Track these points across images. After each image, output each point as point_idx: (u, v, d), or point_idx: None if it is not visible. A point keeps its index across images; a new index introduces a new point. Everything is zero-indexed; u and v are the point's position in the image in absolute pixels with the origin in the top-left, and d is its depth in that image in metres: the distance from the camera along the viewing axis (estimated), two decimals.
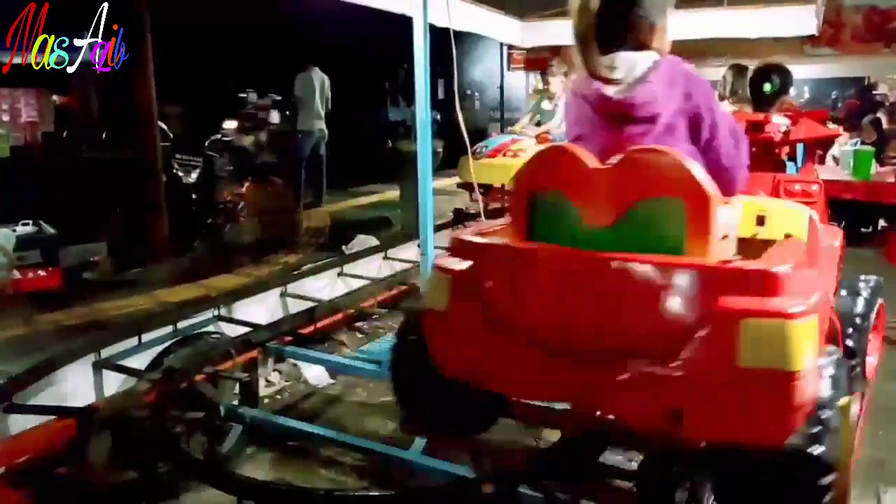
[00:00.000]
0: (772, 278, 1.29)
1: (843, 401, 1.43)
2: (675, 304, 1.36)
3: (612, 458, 2.87)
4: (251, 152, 7.33)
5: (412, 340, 1.86)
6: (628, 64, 1.58)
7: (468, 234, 1.76)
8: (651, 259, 1.41)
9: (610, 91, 1.57)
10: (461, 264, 1.62)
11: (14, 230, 4.57)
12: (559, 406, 1.98)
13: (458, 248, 1.68)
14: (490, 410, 1.97)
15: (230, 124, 7.19)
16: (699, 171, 1.46)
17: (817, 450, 1.36)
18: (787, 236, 1.60)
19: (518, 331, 1.51)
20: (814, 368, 1.27)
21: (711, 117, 1.60)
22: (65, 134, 7.68)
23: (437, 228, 5.34)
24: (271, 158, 7.76)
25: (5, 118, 6.23)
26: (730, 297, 1.28)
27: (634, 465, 2.15)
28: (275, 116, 8.24)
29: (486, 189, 5.98)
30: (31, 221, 4.76)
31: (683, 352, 1.32)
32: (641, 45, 1.61)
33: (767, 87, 3.28)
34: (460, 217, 6.35)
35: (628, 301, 1.41)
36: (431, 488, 1.95)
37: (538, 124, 6.39)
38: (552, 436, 2.75)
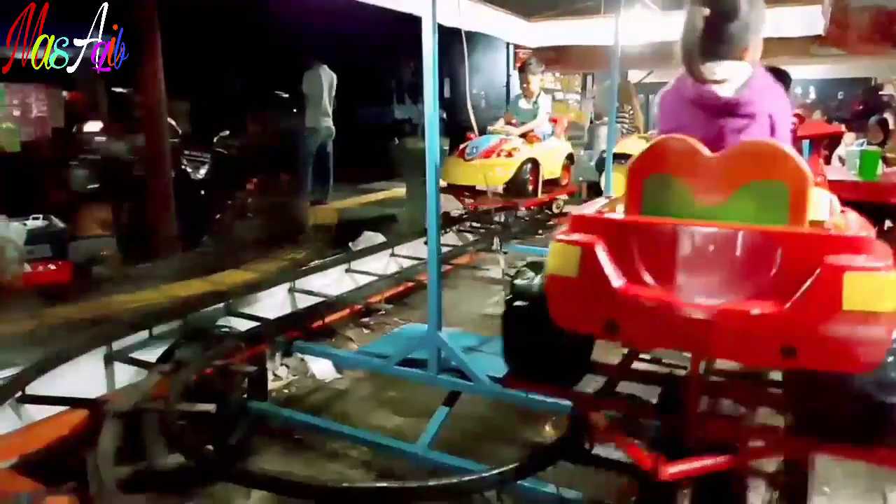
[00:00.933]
0: (866, 242, 1.71)
1: None
2: (788, 263, 1.72)
3: (613, 453, 2.91)
4: (259, 150, 7.36)
5: (522, 306, 2.26)
6: (731, 72, 1.97)
7: (589, 211, 2.18)
8: (773, 229, 1.78)
9: (719, 92, 1.96)
10: (586, 237, 1.93)
11: (24, 224, 4.62)
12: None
13: (580, 224, 2.00)
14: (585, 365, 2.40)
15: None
16: (801, 160, 1.81)
17: (894, 373, 1.79)
18: (812, 223, 1.85)
19: (644, 289, 1.85)
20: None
21: (781, 118, 2.00)
22: (74, 129, 7.73)
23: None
24: (279, 155, 7.80)
25: (16, 113, 6.27)
26: (833, 256, 1.65)
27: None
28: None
29: (472, 191, 5.84)
30: (41, 216, 4.81)
31: (795, 301, 1.67)
32: (737, 58, 1.99)
33: None
34: (449, 221, 6.09)
35: (748, 263, 1.77)
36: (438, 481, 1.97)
37: (516, 124, 6.20)
38: (554, 432, 2.78)
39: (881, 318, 1.61)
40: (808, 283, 1.66)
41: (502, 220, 6.19)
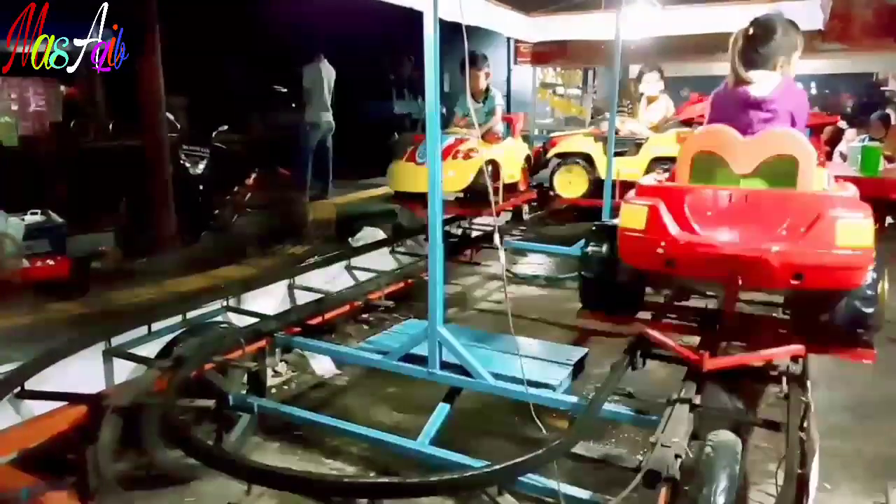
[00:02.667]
0: (852, 201, 2.48)
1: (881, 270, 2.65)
2: (798, 216, 2.45)
3: (616, 451, 2.90)
4: (259, 145, 7.34)
5: (595, 252, 3.12)
6: (762, 78, 2.74)
7: (650, 182, 2.90)
8: (788, 191, 2.53)
9: (752, 92, 2.73)
10: (650, 200, 2.65)
11: (23, 219, 4.60)
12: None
13: (644, 191, 2.77)
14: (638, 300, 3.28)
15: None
16: (809, 144, 2.58)
17: (870, 291, 2.58)
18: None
19: (694, 236, 2.56)
20: (873, 249, 2.40)
21: (800, 116, 2.76)
22: (72, 124, 7.71)
23: (372, 247, 4.93)
24: (279, 151, 7.77)
25: (14, 107, 6.25)
26: (830, 210, 2.39)
27: (638, 460, 2.17)
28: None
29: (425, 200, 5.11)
30: (39, 211, 4.79)
31: (803, 241, 2.40)
32: (770, 69, 2.75)
33: None
34: (400, 233, 5.52)
35: (770, 216, 2.50)
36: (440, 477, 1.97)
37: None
38: (557, 430, 2.78)
39: (861, 252, 2.39)
40: (812, 228, 2.40)
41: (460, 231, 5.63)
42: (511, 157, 5.73)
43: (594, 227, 3.26)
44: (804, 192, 2.53)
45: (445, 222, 5.17)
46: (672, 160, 6.57)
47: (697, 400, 2.37)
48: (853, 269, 2.41)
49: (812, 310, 2.71)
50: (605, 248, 3.07)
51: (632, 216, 2.71)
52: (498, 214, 5.46)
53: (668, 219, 2.61)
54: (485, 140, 5.29)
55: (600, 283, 3.11)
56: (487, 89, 5.55)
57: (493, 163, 5.23)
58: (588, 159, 6.26)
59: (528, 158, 6.27)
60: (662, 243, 2.61)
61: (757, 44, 2.76)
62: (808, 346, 2.67)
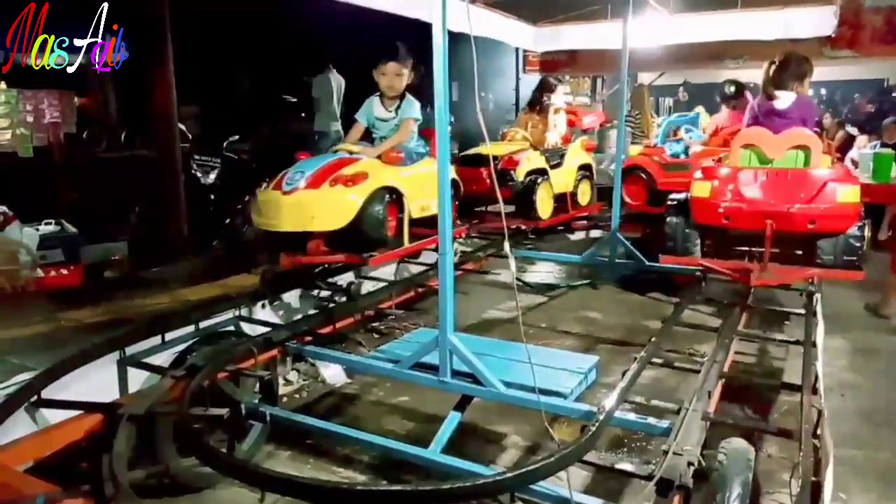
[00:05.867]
0: (848, 174, 4.28)
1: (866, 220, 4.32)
2: (813, 185, 4.05)
3: (628, 460, 2.90)
4: (269, 154, 7.37)
5: (679, 207, 4.69)
6: (783, 96, 4.30)
7: (710, 163, 4.59)
8: (804, 169, 4.16)
9: (776, 104, 4.32)
10: (713, 177, 4.32)
11: (37, 229, 4.66)
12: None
13: (708, 172, 4.40)
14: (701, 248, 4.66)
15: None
16: (816, 138, 4.21)
17: (858, 233, 4.16)
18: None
19: (743, 200, 4.16)
20: (861, 205, 4.12)
21: (810, 122, 4.35)
22: (85, 134, 7.80)
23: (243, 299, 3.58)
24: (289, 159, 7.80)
25: (29, 119, 6.32)
26: (832, 182, 4.04)
27: (650, 468, 2.17)
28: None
29: (284, 240, 3.72)
30: (53, 220, 4.85)
31: (815, 202, 4.00)
32: (789, 90, 4.30)
33: (730, 88, 6.58)
34: (271, 283, 3.90)
35: (795, 186, 4.09)
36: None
37: (373, 139, 4.25)
38: (567, 436, 2.77)
39: (853, 206, 4.03)
40: (821, 192, 4.02)
41: (348, 286, 4.02)
42: (425, 184, 3.93)
43: (671, 201, 4.79)
44: (815, 170, 4.15)
45: (317, 275, 4.03)
46: (589, 167, 6.56)
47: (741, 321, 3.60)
48: (848, 217, 4.05)
49: (821, 246, 4.19)
50: (679, 215, 4.58)
51: (701, 188, 4.30)
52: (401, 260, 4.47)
53: (724, 189, 4.20)
54: (384, 160, 3.88)
55: (676, 236, 4.59)
56: (403, 95, 4.19)
57: (394, 191, 3.81)
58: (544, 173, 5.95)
59: (453, 184, 4.36)
60: (723, 205, 4.18)
61: (779, 72, 4.30)
62: (819, 271, 4.15)
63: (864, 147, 7.76)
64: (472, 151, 5.87)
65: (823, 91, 16.19)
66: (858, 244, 4.10)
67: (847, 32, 6.12)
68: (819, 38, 6.24)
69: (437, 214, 3.45)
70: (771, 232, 3.98)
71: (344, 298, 3.87)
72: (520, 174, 5.61)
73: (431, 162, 4.00)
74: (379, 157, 3.91)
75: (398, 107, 4.19)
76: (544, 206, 5.88)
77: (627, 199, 6.47)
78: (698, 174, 4.37)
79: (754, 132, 4.28)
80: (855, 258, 4.13)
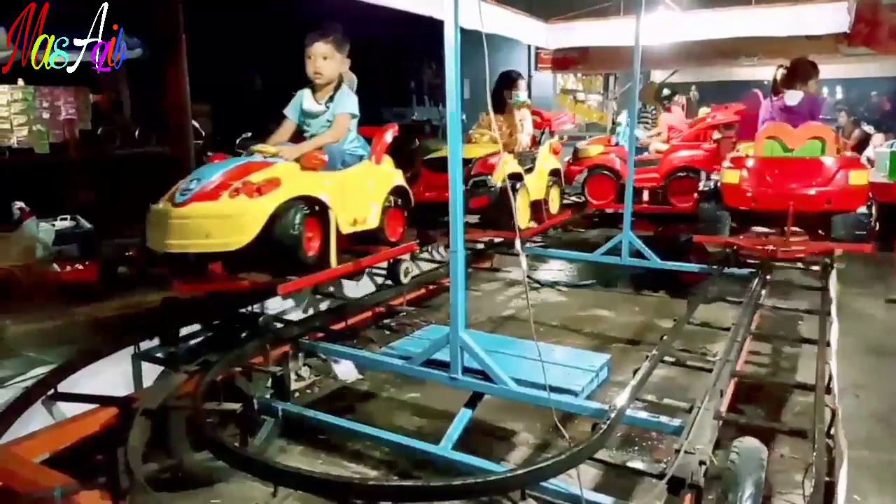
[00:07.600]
0: (857, 161, 4.93)
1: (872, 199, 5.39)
2: (828, 170, 4.64)
3: (640, 458, 2.89)
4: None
5: (710, 194, 5.37)
6: (792, 94, 5.04)
7: (738, 155, 5.10)
8: (821, 157, 4.73)
9: (787, 101, 5.04)
10: (742, 165, 4.83)
11: (53, 225, 4.72)
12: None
13: (737, 161, 4.93)
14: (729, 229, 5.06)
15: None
16: (830, 130, 5.01)
17: (867, 211, 5.27)
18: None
19: (768, 185, 4.70)
20: (869, 187, 4.87)
21: (817, 114, 5.11)
22: (99, 131, 7.87)
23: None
24: None
25: (45, 116, 6.40)
26: (845, 168, 4.62)
27: (661, 466, 2.16)
28: None
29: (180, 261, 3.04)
30: (69, 216, 4.90)
31: (831, 184, 4.59)
32: (797, 89, 5.04)
33: (666, 91, 7.18)
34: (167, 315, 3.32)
35: (813, 171, 4.68)
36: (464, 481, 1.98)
37: (303, 135, 3.53)
38: (578, 433, 2.77)
39: (863, 188, 4.65)
40: (836, 175, 4.57)
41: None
42: (358, 194, 3.46)
43: (704, 189, 5.86)
44: (830, 157, 4.69)
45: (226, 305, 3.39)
46: (558, 172, 5.95)
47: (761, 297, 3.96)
48: (859, 197, 4.66)
49: (835, 223, 4.68)
50: (712, 201, 5.11)
51: (731, 176, 4.83)
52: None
53: (752, 176, 4.74)
54: (305, 163, 3.15)
55: (709, 219, 5.03)
56: (339, 85, 3.60)
57: (316, 203, 3.13)
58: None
59: (400, 192, 3.82)
60: (750, 189, 4.70)
61: (788, 76, 5.11)
62: (834, 244, 4.69)
63: (880, 145, 7.68)
64: (436, 155, 5.02)
65: (839, 89, 16.00)
66: (866, 220, 5.00)
67: (864, 29, 6.05)
68: (835, 35, 6.18)
69: (375, 229, 3.47)
70: (793, 211, 4.49)
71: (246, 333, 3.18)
72: (497, 179, 4.62)
73: (369, 166, 3.59)
74: (298, 160, 3.16)
75: (330, 99, 3.51)
76: (522, 214, 5.09)
77: (591, 200, 6.40)
78: (727, 164, 4.98)
79: (777, 126, 4.92)
80: (864, 232, 4.87)
